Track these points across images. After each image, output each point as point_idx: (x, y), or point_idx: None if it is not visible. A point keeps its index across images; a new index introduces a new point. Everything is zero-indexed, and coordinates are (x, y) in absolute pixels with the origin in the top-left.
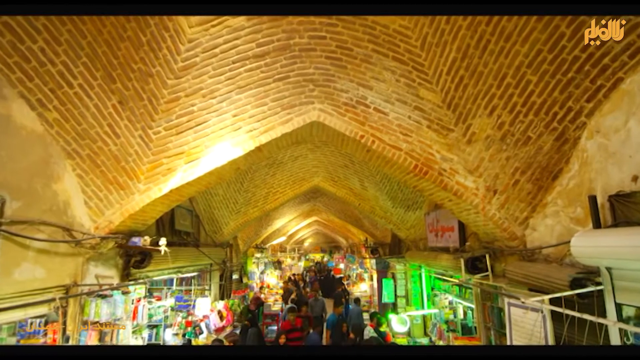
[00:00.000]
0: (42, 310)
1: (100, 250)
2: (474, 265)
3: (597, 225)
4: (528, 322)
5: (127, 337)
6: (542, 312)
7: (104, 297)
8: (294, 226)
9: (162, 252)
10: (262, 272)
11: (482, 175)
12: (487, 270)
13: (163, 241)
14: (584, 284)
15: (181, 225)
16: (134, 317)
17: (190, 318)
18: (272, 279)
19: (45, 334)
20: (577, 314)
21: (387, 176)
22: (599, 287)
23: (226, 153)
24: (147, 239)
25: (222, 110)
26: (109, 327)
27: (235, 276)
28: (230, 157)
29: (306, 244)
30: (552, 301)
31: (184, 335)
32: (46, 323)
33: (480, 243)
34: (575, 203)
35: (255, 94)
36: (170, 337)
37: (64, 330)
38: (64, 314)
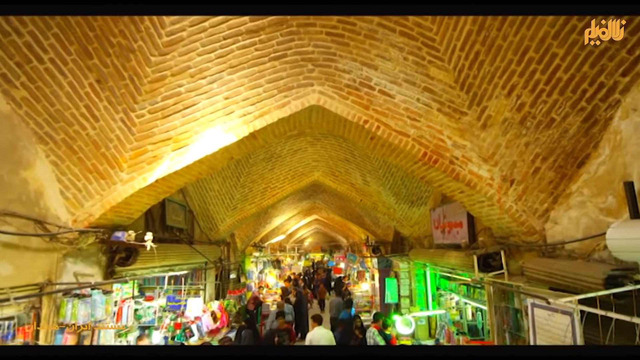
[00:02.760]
0: (10, 311)
1: (79, 245)
2: (486, 263)
3: (635, 215)
4: (555, 326)
5: (109, 341)
6: (577, 313)
7: (81, 297)
8: (293, 224)
9: (148, 248)
10: (261, 272)
11: (498, 164)
12: (500, 268)
13: (149, 236)
14: (620, 282)
15: (173, 221)
16: (118, 319)
17: (179, 320)
18: (271, 278)
19: (14, 338)
20: (623, 317)
21: (390, 170)
22: (639, 286)
23: (217, 139)
24: (132, 233)
25: (213, 92)
26: (87, 330)
27: (232, 275)
28: (221, 143)
29: (306, 243)
30: (581, 302)
31: (173, 339)
32: (18, 325)
33: (493, 239)
34: (606, 192)
35: (249, 74)
36: (158, 341)
37: (37, 333)
38: (37, 316)
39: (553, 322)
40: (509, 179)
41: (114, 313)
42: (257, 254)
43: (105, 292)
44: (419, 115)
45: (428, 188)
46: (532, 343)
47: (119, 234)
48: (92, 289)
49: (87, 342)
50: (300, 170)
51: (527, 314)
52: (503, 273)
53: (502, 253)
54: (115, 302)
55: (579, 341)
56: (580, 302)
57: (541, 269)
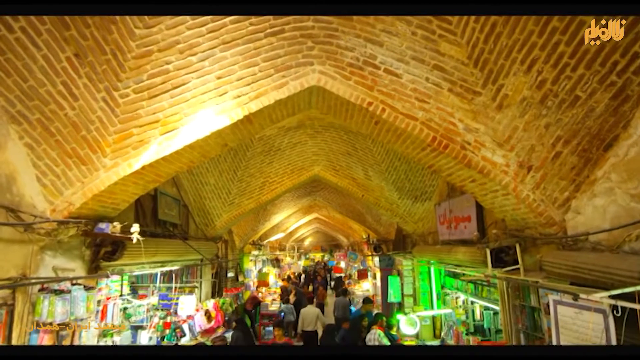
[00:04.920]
0: None
1: (58, 237)
2: (499, 258)
3: None
4: (584, 325)
5: (91, 341)
6: (616, 311)
7: (59, 293)
8: (293, 223)
9: (134, 241)
10: (260, 270)
11: (515, 148)
12: (514, 263)
13: (135, 228)
14: None
15: (166, 215)
16: (103, 317)
17: (169, 318)
18: (270, 276)
19: None
20: None
21: (393, 164)
22: None
23: (209, 122)
24: (117, 225)
25: (204, 71)
26: (68, 329)
27: (230, 274)
28: (214, 127)
29: (306, 242)
30: (612, 298)
31: (162, 339)
32: None
33: (505, 232)
34: (638, 176)
35: (244, 51)
36: (145, 341)
37: (10, 333)
38: (10, 314)
39: (581, 321)
40: (526, 166)
41: (98, 311)
42: (256, 252)
43: (88, 288)
44: (428, 96)
45: (433, 182)
46: (555, 344)
47: (103, 225)
48: (72, 285)
49: (66, 343)
50: (300, 164)
51: (547, 313)
52: (518, 268)
53: (518, 247)
54: (99, 300)
55: (614, 341)
56: (613, 298)
57: (563, 263)
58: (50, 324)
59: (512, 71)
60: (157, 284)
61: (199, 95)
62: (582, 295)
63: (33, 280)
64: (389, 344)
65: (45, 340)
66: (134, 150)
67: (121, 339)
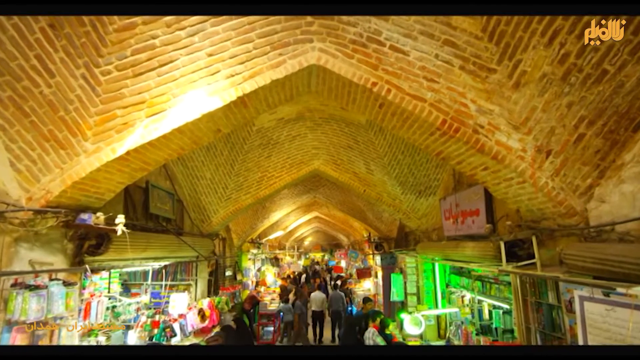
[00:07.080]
0: None
1: (35, 228)
2: (511, 252)
3: None
4: (617, 323)
5: (72, 341)
6: None
7: (34, 288)
8: (293, 221)
9: (119, 233)
10: (259, 270)
11: (532, 131)
12: (527, 258)
13: (120, 219)
14: None
15: (158, 209)
16: (86, 316)
17: (157, 317)
18: (269, 275)
19: None
20: None
21: (396, 157)
22: None
23: (200, 104)
24: (101, 216)
25: (194, 47)
26: (43, 328)
27: (228, 272)
28: (205, 109)
29: (306, 242)
30: None
31: (151, 339)
32: None
33: (519, 224)
34: None
35: (237, 26)
36: (133, 341)
37: None
38: None
39: (613, 319)
40: (544, 150)
41: (80, 309)
42: (254, 251)
43: (68, 284)
44: (438, 75)
45: (438, 176)
46: (581, 344)
47: (85, 216)
48: (50, 280)
49: (43, 343)
50: (300, 158)
51: (569, 310)
52: (534, 263)
53: (534, 239)
54: (82, 299)
55: None
56: None
57: (589, 256)
58: (24, 322)
59: (531, 44)
60: (149, 282)
61: (188, 74)
62: (619, 290)
63: (6, 273)
64: (383, 343)
65: (19, 340)
66: (117, 133)
67: (112, 338)
